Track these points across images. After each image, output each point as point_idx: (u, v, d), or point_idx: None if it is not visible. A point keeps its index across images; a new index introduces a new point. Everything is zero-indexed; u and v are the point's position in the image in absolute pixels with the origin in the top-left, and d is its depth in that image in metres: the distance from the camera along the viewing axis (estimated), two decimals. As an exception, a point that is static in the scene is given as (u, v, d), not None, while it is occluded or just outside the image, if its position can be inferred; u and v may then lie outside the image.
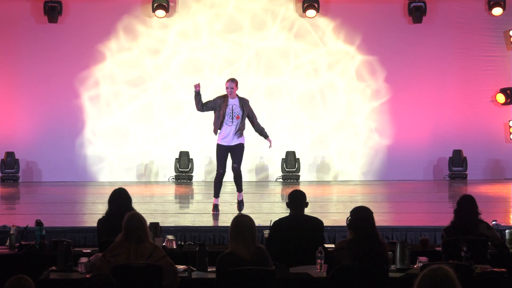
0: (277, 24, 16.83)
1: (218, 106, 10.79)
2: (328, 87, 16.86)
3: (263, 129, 11.04)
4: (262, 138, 11.12)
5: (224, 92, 10.92)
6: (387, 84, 16.86)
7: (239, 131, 10.78)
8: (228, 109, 10.72)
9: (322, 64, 16.82)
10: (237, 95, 10.85)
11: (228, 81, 10.88)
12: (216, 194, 11.08)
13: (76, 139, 16.65)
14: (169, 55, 16.76)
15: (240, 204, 11.15)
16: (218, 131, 10.84)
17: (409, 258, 6.72)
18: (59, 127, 16.53)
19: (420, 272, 4.07)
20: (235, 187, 11.19)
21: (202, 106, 10.85)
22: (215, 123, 10.85)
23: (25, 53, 16.57)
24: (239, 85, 10.94)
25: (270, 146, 11.18)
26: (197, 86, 10.82)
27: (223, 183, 11.13)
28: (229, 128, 10.76)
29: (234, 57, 16.78)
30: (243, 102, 10.83)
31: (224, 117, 10.73)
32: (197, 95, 10.82)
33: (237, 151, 10.85)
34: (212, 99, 10.93)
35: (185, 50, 16.76)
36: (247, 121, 10.90)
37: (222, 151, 10.87)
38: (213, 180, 11.15)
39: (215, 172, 11.07)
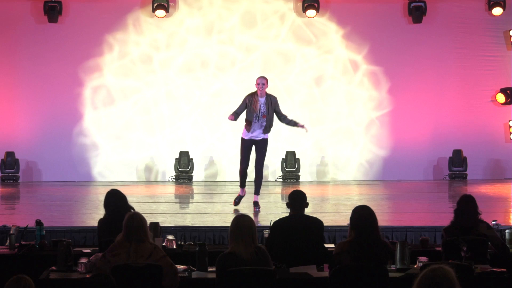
0: (278, 24, 16.81)
1: (249, 103, 10.91)
2: (330, 87, 16.85)
3: (290, 120, 11.18)
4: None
5: (249, 90, 11.00)
6: (387, 85, 16.85)
7: (266, 129, 10.97)
8: (257, 107, 10.85)
9: (321, 63, 16.82)
10: (266, 92, 10.95)
11: (259, 77, 11.07)
12: (242, 185, 11.19)
13: (76, 139, 16.65)
14: (169, 55, 16.74)
15: (256, 205, 11.15)
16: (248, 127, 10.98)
17: (409, 258, 6.72)
18: (59, 127, 16.52)
19: (420, 272, 4.07)
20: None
21: (236, 118, 10.99)
22: (248, 118, 10.93)
23: (25, 53, 16.57)
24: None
25: (306, 130, 11.32)
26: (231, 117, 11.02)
27: (224, 182, 11.14)
28: (256, 125, 10.93)
29: (235, 57, 16.76)
30: (270, 100, 10.95)
31: (254, 114, 10.88)
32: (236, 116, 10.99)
33: (261, 147, 11.02)
34: (239, 106, 11.02)
35: (186, 50, 16.74)
36: (275, 118, 11.06)
37: (246, 146, 11.04)
38: (212, 180, 11.17)
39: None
